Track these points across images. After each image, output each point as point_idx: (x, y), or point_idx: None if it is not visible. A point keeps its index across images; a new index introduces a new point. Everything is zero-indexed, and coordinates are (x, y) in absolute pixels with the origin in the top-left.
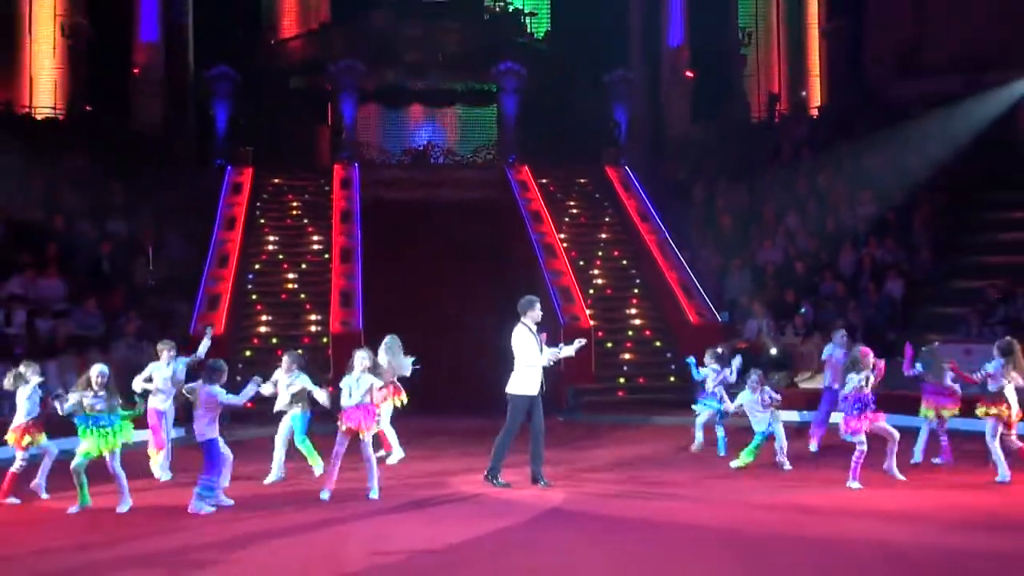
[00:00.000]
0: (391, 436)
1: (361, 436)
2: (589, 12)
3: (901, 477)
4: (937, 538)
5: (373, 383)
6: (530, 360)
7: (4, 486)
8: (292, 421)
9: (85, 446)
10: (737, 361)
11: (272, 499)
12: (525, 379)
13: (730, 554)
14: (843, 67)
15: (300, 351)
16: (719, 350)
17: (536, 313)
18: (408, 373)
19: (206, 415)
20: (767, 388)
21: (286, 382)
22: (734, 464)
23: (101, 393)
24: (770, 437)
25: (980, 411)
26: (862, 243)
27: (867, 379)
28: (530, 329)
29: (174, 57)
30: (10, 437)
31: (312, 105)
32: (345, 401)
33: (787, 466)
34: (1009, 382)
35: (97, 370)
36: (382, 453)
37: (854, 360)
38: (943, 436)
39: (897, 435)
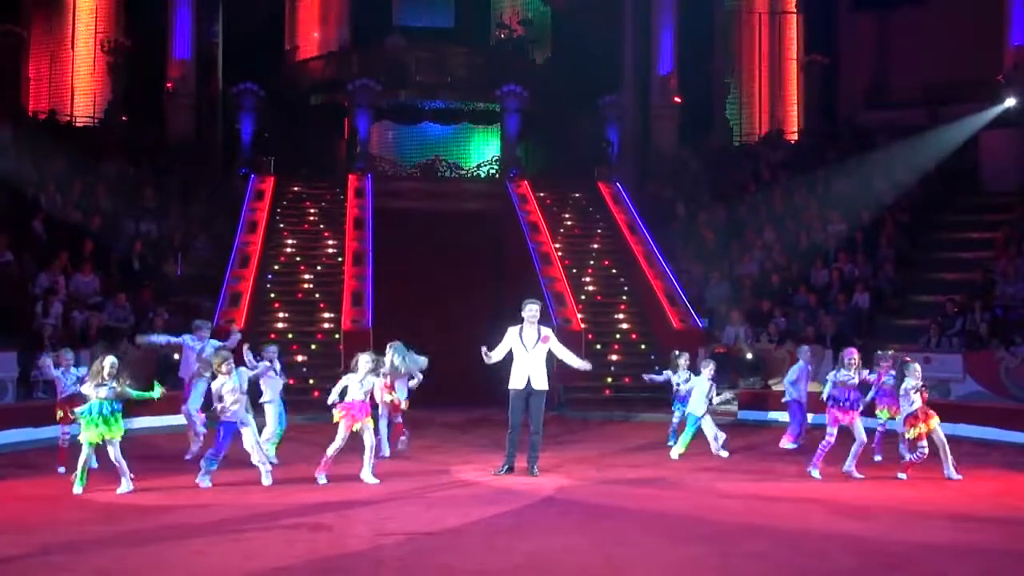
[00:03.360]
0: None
1: (357, 428)
2: (586, 41)
3: (859, 476)
4: (893, 529)
5: (375, 383)
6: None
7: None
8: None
9: (87, 435)
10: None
11: (280, 482)
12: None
13: (703, 540)
14: (818, 97)
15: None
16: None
17: None
18: (424, 368)
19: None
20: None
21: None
22: (675, 454)
23: (110, 383)
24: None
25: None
26: (832, 258)
27: (853, 376)
28: None
29: (204, 74)
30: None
31: (330, 120)
32: (344, 396)
33: (724, 454)
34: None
35: (108, 361)
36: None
37: (840, 360)
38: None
39: (864, 438)
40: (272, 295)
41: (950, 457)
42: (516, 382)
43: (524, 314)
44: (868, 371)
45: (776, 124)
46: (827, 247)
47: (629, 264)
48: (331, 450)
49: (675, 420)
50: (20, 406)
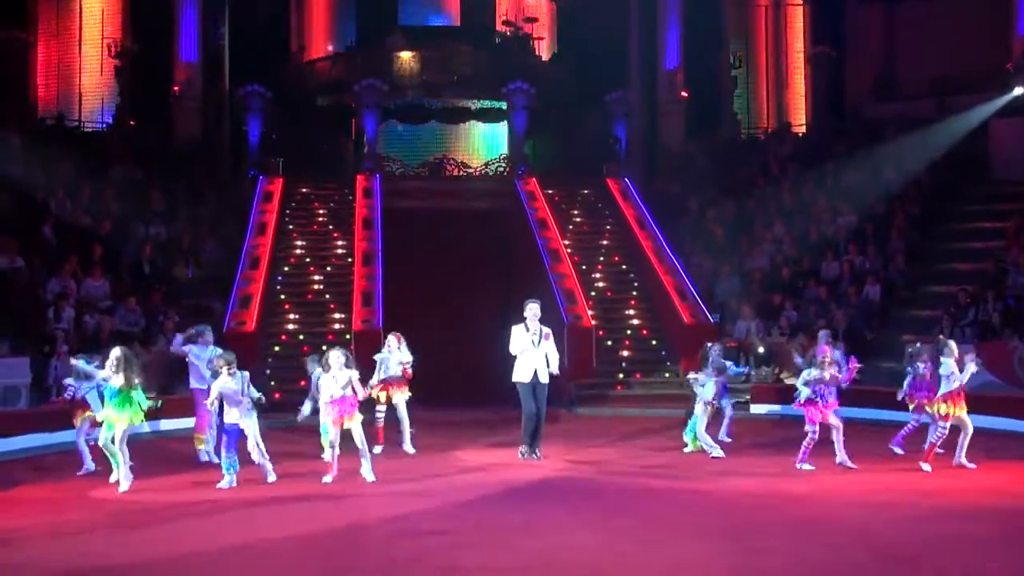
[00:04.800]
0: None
1: (346, 425)
2: (592, 37)
3: (852, 466)
4: (909, 521)
5: (351, 376)
6: None
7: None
8: None
9: (118, 422)
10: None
11: (290, 483)
12: None
13: (715, 536)
14: (825, 90)
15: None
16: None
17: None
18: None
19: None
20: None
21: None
22: (715, 451)
23: (118, 372)
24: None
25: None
26: (843, 251)
27: (824, 373)
28: None
29: (211, 76)
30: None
31: (337, 121)
32: (325, 397)
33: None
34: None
35: (114, 353)
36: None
37: (811, 357)
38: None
39: (840, 425)
40: (283, 296)
41: (965, 446)
42: (523, 375)
43: (527, 313)
44: (836, 368)
45: (783, 117)
46: (837, 239)
47: (639, 260)
48: (326, 453)
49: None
50: (34, 411)
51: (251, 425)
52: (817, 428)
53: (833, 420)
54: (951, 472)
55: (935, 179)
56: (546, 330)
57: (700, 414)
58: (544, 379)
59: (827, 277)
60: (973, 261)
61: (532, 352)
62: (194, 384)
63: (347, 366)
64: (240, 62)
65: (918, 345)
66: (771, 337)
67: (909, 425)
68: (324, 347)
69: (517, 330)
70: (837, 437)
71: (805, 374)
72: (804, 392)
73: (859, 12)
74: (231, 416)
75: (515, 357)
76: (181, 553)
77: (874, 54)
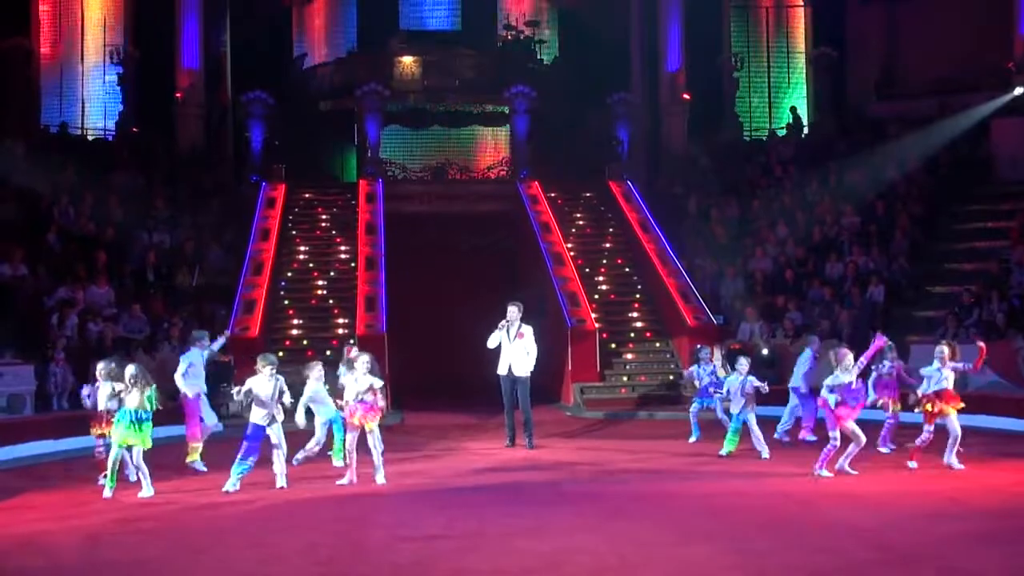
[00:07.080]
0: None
1: (367, 428)
2: (594, 39)
3: (852, 472)
4: (911, 522)
5: (373, 383)
6: None
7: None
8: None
9: (117, 437)
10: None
11: (297, 486)
12: None
13: (718, 538)
14: (828, 90)
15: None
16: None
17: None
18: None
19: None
20: (750, 378)
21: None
22: (722, 452)
23: (133, 390)
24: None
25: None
26: (847, 252)
27: (849, 376)
28: None
29: (214, 83)
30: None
31: (340, 126)
32: (348, 396)
33: (765, 454)
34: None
35: (129, 370)
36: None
37: (836, 359)
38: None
39: (863, 439)
40: (286, 302)
41: (956, 447)
42: (501, 369)
43: (507, 316)
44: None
45: (788, 118)
46: (841, 240)
47: (642, 262)
48: (348, 453)
49: (693, 411)
50: (38, 418)
51: (276, 431)
52: (839, 435)
53: (855, 431)
54: (951, 472)
55: (938, 179)
56: (524, 329)
57: (753, 418)
58: (519, 373)
59: (831, 278)
60: (977, 261)
61: (508, 347)
62: (185, 388)
63: (371, 373)
64: (242, 68)
65: (889, 343)
66: (775, 339)
67: (887, 423)
68: (328, 352)
69: (498, 328)
70: (853, 448)
71: (831, 379)
72: (832, 399)
73: (860, 13)
74: (255, 416)
75: (498, 353)
76: (186, 554)
77: (876, 54)
